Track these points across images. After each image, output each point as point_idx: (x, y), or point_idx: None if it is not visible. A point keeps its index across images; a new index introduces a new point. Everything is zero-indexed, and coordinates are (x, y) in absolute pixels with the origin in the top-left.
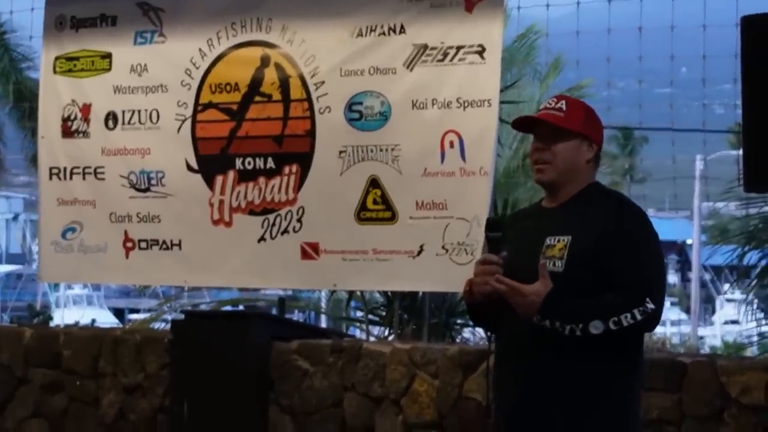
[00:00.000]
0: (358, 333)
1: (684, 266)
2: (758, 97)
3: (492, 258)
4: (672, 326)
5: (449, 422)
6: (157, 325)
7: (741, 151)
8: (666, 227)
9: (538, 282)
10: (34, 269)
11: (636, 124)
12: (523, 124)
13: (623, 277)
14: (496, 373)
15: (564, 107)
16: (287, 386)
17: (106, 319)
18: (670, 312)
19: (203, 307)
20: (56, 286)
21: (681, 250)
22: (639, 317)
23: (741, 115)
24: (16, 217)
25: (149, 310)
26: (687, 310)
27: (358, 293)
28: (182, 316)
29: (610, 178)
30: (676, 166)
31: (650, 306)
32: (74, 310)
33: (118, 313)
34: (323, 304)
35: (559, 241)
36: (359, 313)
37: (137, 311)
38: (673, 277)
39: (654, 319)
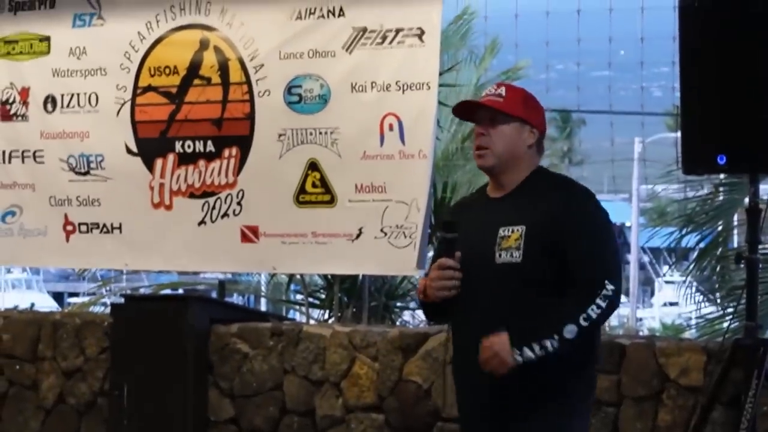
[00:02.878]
0: (297, 316)
1: (623, 249)
2: (696, 79)
3: (449, 263)
4: None
5: (389, 405)
6: (97, 309)
7: (679, 134)
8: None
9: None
10: None
11: (574, 106)
12: (463, 112)
13: (580, 266)
14: (456, 366)
15: (503, 93)
16: (227, 369)
17: (45, 303)
18: None
19: (142, 290)
20: None
21: (620, 232)
22: (604, 304)
23: (679, 98)
24: None
25: (88, 294)
26: (626, 293)
27: (298, 276)
28: (121, 300)
29: (548, 160)
30: (615, 148)
31: (610, 287)
32: (13, 294)
33: (58, 296)
34: (263, 288)
35: (513, 231)
36: (299, 297)
37: (76, 295)
38: None
39: (617, 298)
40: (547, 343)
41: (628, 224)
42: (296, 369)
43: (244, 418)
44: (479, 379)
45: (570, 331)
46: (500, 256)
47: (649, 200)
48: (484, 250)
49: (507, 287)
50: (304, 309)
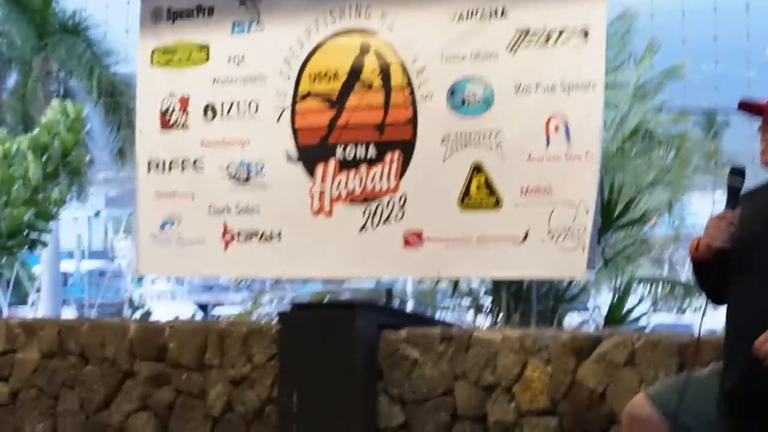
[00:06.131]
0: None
1: None
2: None
3: (727, 215)
4: None
5: (562, 409)
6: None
7: None
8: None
9: None
10: (116, 266)
11: (718, 107)
12: (750, 109)
13: None
14: (726, 350)
15: None
16: (396, 375)
17: (190, 314)
18: None
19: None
20: (140, 281)
21: None
22: None
23: None
24: (97, 214)
25: (235, 304)
26: None
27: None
28: (288, 308)
29: (695, 161)
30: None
31: None
32: (159, 305)
33: (203, 308)
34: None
35: None
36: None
37: (221, 305)
38: None
39: None
40: None
41: None
42: (467, 374)
43: (415, 424)
44: (745, 369)
45: None
46: None
47: None
48: (761, 244)
49: None
50: (457, 313)
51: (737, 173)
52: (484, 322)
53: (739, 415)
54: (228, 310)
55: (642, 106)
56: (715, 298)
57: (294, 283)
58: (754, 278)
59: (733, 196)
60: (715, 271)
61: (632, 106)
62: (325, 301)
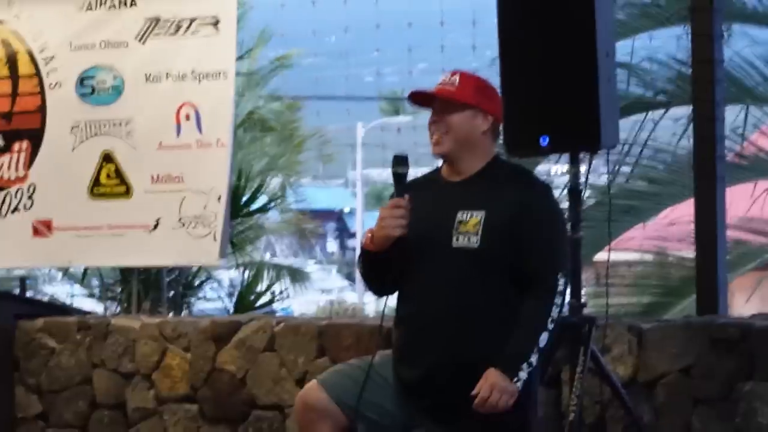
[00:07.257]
0: None
1: (342, 234)
2: (516, 63)
3: (400, 202)
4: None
5: (203, 395)
6: None
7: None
8: (323, 196)
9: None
10: None
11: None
12: (420, 100)
13: (535, 260)
14: (400, 343)
15: (456, 81)
16: (33, 365)
17: None
18: (336, 279)
19: None
20: None
21: (339, 217)
22: (559, 301)
23: (500, 81)
24: None
25: None
26: (348, 277)
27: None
28: None
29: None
30: (333, 134)
31: (561, 281)
32: None
33: None
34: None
35: (472, 216)
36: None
37: None
38: (333, 245)
39: (566, 290)
40: (532, 359)
41: (347, 210)
42: (105, 362)
43: (53, 413)
44: (425, 358)
45: (544, 339)
46: (457, 239)
47: (364, 185)
48: (441, 232)
49: (462, 271)
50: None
51: (400, 161)
52: (113, 310)
53: (418, 405)
54: None
55: (254, 93)
56: (379, 289)
57: None
58: (429, 268)
59: (400, 183)
60: (392, 262)
61: (244, 93)
62: None
